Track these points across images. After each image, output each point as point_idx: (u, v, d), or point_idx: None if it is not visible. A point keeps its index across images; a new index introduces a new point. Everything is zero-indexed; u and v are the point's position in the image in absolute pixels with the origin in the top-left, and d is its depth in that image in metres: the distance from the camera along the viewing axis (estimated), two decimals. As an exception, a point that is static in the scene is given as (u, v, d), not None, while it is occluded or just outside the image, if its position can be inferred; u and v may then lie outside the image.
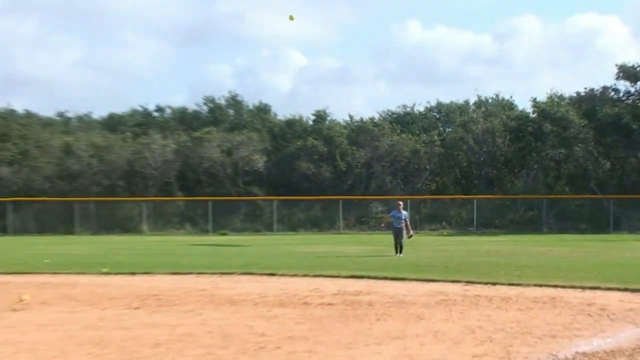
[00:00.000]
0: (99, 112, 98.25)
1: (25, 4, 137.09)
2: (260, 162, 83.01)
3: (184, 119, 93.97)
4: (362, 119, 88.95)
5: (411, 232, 42.39)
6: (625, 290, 24.68)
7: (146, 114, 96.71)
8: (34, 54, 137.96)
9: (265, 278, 29.88)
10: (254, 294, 24.78)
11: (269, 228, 74.22)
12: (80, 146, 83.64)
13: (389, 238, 42.53)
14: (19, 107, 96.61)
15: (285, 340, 16.54)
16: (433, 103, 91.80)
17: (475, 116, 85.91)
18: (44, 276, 30.85)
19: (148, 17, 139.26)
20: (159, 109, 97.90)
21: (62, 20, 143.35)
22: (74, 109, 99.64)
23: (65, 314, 20.98)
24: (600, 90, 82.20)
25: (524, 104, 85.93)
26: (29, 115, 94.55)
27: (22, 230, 72.77)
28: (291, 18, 21.38)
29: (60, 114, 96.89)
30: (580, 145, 77.05)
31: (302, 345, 15.99)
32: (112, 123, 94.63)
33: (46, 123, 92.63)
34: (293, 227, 74.96)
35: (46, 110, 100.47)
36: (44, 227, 73.75)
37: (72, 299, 24.01)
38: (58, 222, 74.63)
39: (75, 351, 15.63)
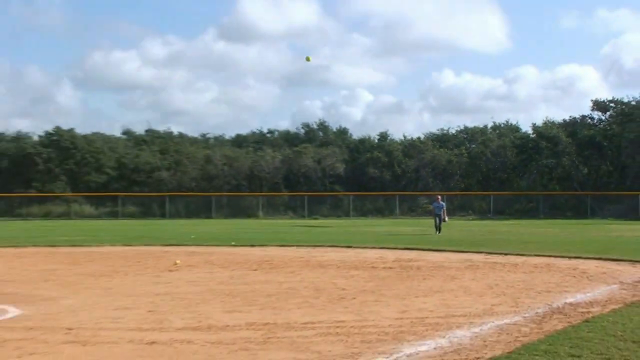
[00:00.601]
0: (229, 133, 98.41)
1: (179, 59, 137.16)
2: (340, 168, 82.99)
3: (288, 138, 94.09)
4: (412, 138, 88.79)
5: (446, 218, 42.08)
6: (599, 259, 24.39)
7: (261, 134, 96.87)
8: (185, 93, 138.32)
9: (344, 249, 29.85)
10: (336, 260, 24.79)
11: (346, 214, 73.92)
12: (216, 157, 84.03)
13: (431, 222, 42.35)
14: (175, 130, 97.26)
15: (358, 293, 16.55)
16: (462, 127, 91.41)
17: (491, 136, 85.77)
18: (191, 247, 31.03)
19: (263, 68, 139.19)
20: (270, 131, 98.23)
21: (204, 70, 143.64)
22: (212, 131, 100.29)
23: (205, 274, 21.12)
24: (580, 118, 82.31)
25: (526, 128, 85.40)
26: (181, 135, 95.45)
27: (175, 215, 73.10)
28: (308, 59, 19.83)
29: (203, 135, 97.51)
30: (566, 156, 76.61)
31: (371, 296, 16.00)
32: (239, 141, 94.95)
33: (193, 141, 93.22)
34: (364, 214, 74.63)
35: (193, 132, 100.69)
36: (190, 213, 74.07)
37: (210, 263, 24.16)
38: (200, 210, 74.88)
39: (213, 299, 15.76)
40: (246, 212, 74.39)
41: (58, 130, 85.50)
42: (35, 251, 30.12)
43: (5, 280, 19.73)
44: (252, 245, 32.00)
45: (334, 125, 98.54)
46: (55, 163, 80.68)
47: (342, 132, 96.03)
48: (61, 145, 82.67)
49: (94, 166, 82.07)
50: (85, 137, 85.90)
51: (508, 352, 10.01)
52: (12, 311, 14.24)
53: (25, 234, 41.71)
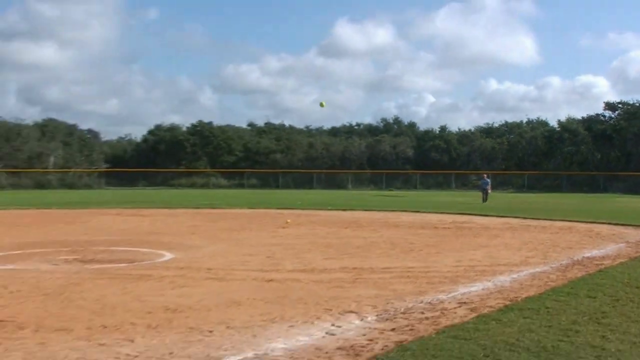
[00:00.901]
0: (327, 125, 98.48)
1: (289, 71, 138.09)
2: (410, 152, 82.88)
3: (370, 130, 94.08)
4: (464, 130, 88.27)
5: (490, 190, 41.63)
6: (610, 223, 23.85)
7: (350, 126, 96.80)
8: (293, 96, 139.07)
9: (413, 214, 29.67)
10: (407, 222, 24.67)
11: (414, 187, 73.48)
12: (317, 143, 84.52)
13: (479, 194, 41.92)
14: (286, 123, 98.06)
15: (424, 246, 16.44)
16: (503, 122, 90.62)
17: (525, 129, 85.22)
18: (298, 211, 31.20)
19: (352, 77, 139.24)
20: (357, 125, 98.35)
21: (308, 79, 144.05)
22: (314, 124, 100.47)
23: (309, 230, 21.21)
24: (594, 116, 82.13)
25: (552, 123, 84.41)
26: (291, 127, 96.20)
27: (286, 187, 73.56)
28: (322, 105, 18.29)
29: (307, 127, 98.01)
30: (584, 145, 75.92)
31: (433, 249, 15.88)
32: (334, 131, 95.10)
33: (299, 131, 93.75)
34: (428, 187, 74.11)
35: (300, 124, 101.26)
36: (297, 185, 74.38)
37: (312, 222, 24.25)
38: (305, 183, 75.17)
39: (314, 249, 15.82)
40: (339, 185, 74.54)
41: (201, 123, 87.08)
42: (183, 212, 30.68)
43: (163, 233, 20.15)
44: (344, 210, 32.06)
45: (405, 120, 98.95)
46: (198, 147, 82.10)
47: (411, 125, 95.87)
48: (203, 134, 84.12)
49: (227, 149, 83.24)
50: (220, 128, 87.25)
51: (539, 293, 9.89)
52: (168, 255, 14.53)
53: (176, 199, 42.53)
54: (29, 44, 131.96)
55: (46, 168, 73.43)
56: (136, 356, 6.58)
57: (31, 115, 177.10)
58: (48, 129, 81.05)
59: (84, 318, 8.30)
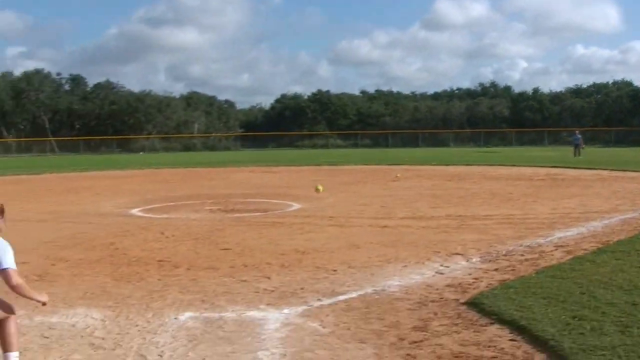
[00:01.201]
0: (430, 91, 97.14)
1: (395, 43, 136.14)
2: (506, 112, 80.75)
3: (469, 93, 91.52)
4: (555, 91, 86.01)
5: (583, 145, 39.95)
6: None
7: (451, 91, 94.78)
8: (399, 65, 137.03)
9: (510, 167, 28.79)
10: (504, 174, 24.04)
11: (510, 144, 71.11)
12: (421, 107, 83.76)
13: (571, 149, 40.33)
14: (394, 89, 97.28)
15: (521, 196, 16.00)
16: (591, 83, 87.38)
17: (612, 89, 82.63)
18: (406, 166, 30.85)
19: (452, 47, 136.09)
20: (458, 89, 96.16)
21: (412, 50, 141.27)
22: (418, 90, 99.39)
23: (416, 183, 20.99)
24: None
25: (637, 83, 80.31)
26: (398, 93, 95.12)
27: (394, 146, 72.49)
28: (317, 190, 16.28)
29: (412, 92, 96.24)
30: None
31: (530, 198, 15.42)
32: (436, 95, 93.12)
33: (405, 97, 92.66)
34: (522, 143, 71.49)
35: (406, 90, 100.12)
36: (404, 144, 73.08)
37: (419, 176, 24.00)
38: (411, 142, 74.00)
39: (422, 199, 15.66)
40: (442, 143, 73.05)
41: (319, 92, 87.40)
42: (307, 169, 30.98)
43: (291, 186, 20.45)
44: (446, 165, 31.53)
45: (501, 84, 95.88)
46: (318, 113, 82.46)
47: (507, 88, 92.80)
48: (322, 101, 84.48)
49: (342, 114, 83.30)
50: (336, 95, 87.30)
51: (629, 237, 9.47)
52: (295, 206, 14.72)
53: (300, 158, 42.97)
54: (174, 30, 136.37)
55: (191, 133, 75.90)
56: (272, 290, 6.72)
57: (178, 89, 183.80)
58: (192, 100, 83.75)
59: (228, 258, 8.54)
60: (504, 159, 35.87)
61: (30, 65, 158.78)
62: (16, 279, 4.35)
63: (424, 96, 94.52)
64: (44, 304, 4.58)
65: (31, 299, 4.50)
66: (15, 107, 72.86)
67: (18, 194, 19.70)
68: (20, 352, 4.81)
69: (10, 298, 4.55)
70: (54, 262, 8.56)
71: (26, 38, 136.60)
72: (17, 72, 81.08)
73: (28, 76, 75.97)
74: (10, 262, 4.37)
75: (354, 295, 6.47)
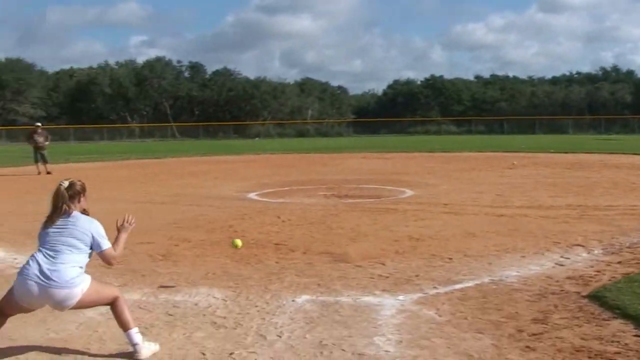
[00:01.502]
0: (547, 75, 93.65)
1: (511, 27, 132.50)
2: (628, 98, 76.62)
3: (589, 78, 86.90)
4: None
5: None
6: None
7: (570, 75, 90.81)
8: (515, 50, 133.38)
9: (633, 156, 27.16)
10: (627, 163, 22.81)
11: (632, 132, 67.16)
12: (539, 92, 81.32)
13: None
14: (510, 74, 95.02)
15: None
16: None
17: None
18: (522, 153, 29.77)
19: (569, 29, 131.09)
20: (578, 73, 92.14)
21: (529, 33, 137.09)
22: (535, 74, 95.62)
23: (533, 170, 20.30)
24: None
25: None
26: (514, 78, 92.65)
27: (511, 132, 69.89)
28: (236, 246, 12.51)
29: (529, 77, 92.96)
30: None
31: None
32: (554, 80, 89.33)
33: (522, 81, 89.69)
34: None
35: (522, 75, 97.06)
36: (521, 131, 69.96)
37: (536, 164, 23.19)
38: (527, 128, 70.79)
39: (540, 187, 15.17)
40: (559, 130, 70.16)
41: (433, 77, 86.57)
42: (420, 155, 30.75)
43: (403, 173, 20.33)
44: (566, 152, 30.32)
45: (623, 68, 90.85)
46: (431, 98, 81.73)
47: (630, 73, 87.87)
48: (435, 86, 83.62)
49: (456, 100, 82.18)
50: (450, 81, 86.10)
51: None
52: (409, 192, 14.61)
53: (412, 144, 42.61)
54: (289, 17, 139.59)
55: (305, 119, 76.90)
56: (387, 277, 6.72)
57: (292, 75, 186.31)
58: (306, 86, 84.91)
59: (342, 243, 8.61)
60: (627, 147, 34.02)
61: (152, 53, 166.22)
62: (113, 257, 4.57)
63: (541, 81, 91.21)
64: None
65: (124, 243, 4.71)
66: (139, 94, 76.50)
67: (143, 176, 20.74)
68: (147, 328, 5.07)
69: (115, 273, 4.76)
70: (177, 242, 8.93)
71: (148, 27, 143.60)
72: (140, 60, 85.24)
73: (150, 64, 79.57)
74: (105, 243, 4.54)
75: (470, 284, 6.36)
